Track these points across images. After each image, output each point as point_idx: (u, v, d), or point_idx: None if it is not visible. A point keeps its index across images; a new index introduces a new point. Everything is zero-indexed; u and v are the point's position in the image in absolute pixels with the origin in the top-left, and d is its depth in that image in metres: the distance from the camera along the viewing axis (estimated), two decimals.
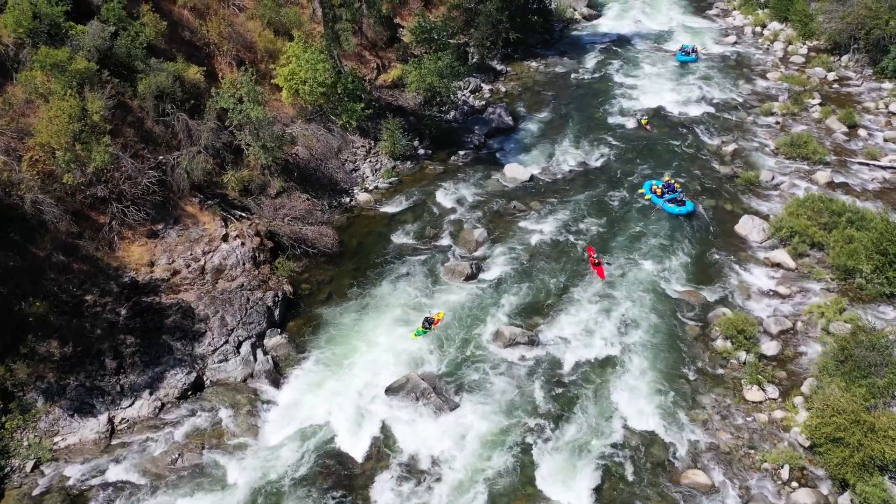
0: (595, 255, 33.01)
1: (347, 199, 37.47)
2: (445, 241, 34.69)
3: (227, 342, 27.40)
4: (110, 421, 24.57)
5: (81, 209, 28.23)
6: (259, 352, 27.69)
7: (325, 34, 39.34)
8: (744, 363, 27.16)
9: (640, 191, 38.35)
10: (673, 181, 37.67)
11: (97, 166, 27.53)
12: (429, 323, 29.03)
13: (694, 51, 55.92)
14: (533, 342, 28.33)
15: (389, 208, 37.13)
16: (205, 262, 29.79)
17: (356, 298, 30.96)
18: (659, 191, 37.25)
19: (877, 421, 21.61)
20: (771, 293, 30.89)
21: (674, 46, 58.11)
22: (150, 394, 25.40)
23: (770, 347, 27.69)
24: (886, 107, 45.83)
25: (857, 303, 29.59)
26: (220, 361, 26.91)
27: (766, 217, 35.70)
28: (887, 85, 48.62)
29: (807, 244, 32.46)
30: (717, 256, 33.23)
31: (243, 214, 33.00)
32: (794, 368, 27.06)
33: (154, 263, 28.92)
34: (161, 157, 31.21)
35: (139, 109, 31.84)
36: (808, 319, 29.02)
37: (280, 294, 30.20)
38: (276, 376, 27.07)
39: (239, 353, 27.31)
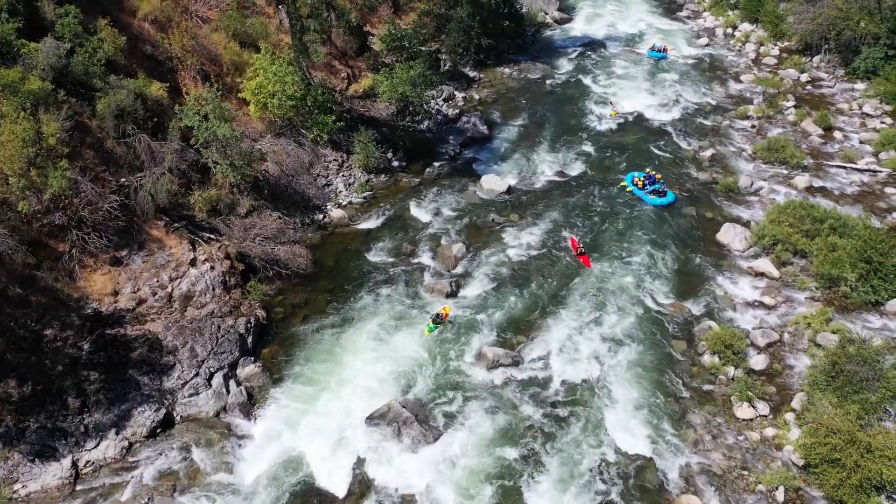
0: (579, 245, 33.49)
1: (321, 216, 36.28)
2: (423, 257, 33.67)
3: (197, 374, 26.09)
4: (74, 464, 23.15)
5: (39, 238, 26.74)
6: (232, 383, 26.42)
7: (294, 45, 38.09)
8: (732, 379, 26.56)
9: (622, 183, 38.85)
10: (654, 173, 38.21)
11: (54, 192, 26.07)
12: (438, 318, 29.17)
13: (664, 49, 56.71)
14: (517, 363, 27.46)
15: (364, 224, 36.02)
16: (172, 289, 28.44)
17: (332, 321, 29.81)
18: (640, 183, 37.84)
19: (873, 440, 21.08)
20: (756, 304, 30.37)
21: (646, 49, 57.73)
22: (117, 433, 24.02)
23: (758, 361, 27.12)
24: (860, 108, 45.80)
25: (842, 312, 29.19)
26: (191, 395, 25.59)
27: (746, 224, 35.28)
28: (859, 85, 48.64)
29: (790, 252, 32.04)
30: (700, 267, 32.68)
31: (212, 236, 31.68)
32: (783, 382, 26.52)
33: (118, 292, 27.50)
34: (123, 180, 29.77)
35: (99, 130, 30.36)
36: (795, 331, 28.52)
37: (252, 320, 28.95)
38: (251, 408, 25.85)
39: (210, 385, 26.01)
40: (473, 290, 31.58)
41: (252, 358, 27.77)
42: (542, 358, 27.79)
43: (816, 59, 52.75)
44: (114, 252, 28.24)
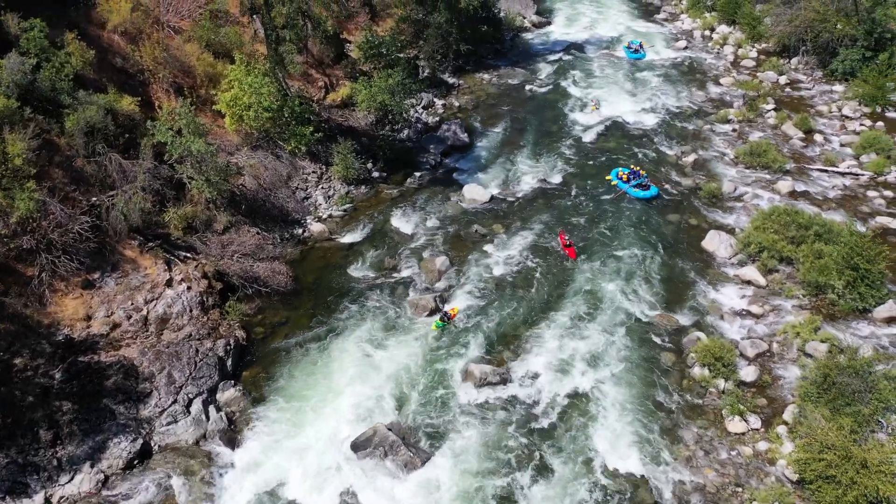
0: (566, 238, 34.33)
1: (300, 231, 35.46)
2: (406, 271, 33.02)
3: (175, 401, 25.21)
4: (47, 501, 22.18)
5: (6, 262, 25.72)
6: (212, 409, 25.57)
7: (269, 56, 37.22)
8: (723, 391, 26.22)
9: (607, 177, 39.65)
10: (638, 168, 39.15)
11: (21, 215, 25.09)
12: (446, 317, 29.48)
13: (641, 47, 57.23)
14: (504, 380, 26.90)
15: (345, 238, 35.27)
16: (148, 312, 27.50)
17: (314, 341, 29.05)
18: (625, 177, 38.72)
19: (868, 455, 20.77)
20: (744, 313, 30.09)
21: (621, 52, 57.50)
22: (92, 466, 23.07)
23: (748, 373, 26.80)
24: (839, 110, 45.87)
25: (830, 319, 29.01)
26: (169, 424, 24.70)
27: (731, 230, 35.07)
28: (838, 87, 48.76)
29: (776, 259, 31.81)
30: (686, 275, 32.37)
31: (188, 255, 30.77)
32: (773, 394, 26.21)
33: (91, 317, 26.51)
34: (95, 199, 28.77)
35: (68, 148, 29.32)
36: (784, 340, 28.27)
37: (232, 341, 28.11)
38: (232, 435, 25.00)
39: (189, 412, 25.15)
40: (458, 304, 30.93)
41: (232, 381, 26.94)
42: (529, 375, 27.25)
43: (794, 60, 52.83)
44: (86, 275, 27.25)
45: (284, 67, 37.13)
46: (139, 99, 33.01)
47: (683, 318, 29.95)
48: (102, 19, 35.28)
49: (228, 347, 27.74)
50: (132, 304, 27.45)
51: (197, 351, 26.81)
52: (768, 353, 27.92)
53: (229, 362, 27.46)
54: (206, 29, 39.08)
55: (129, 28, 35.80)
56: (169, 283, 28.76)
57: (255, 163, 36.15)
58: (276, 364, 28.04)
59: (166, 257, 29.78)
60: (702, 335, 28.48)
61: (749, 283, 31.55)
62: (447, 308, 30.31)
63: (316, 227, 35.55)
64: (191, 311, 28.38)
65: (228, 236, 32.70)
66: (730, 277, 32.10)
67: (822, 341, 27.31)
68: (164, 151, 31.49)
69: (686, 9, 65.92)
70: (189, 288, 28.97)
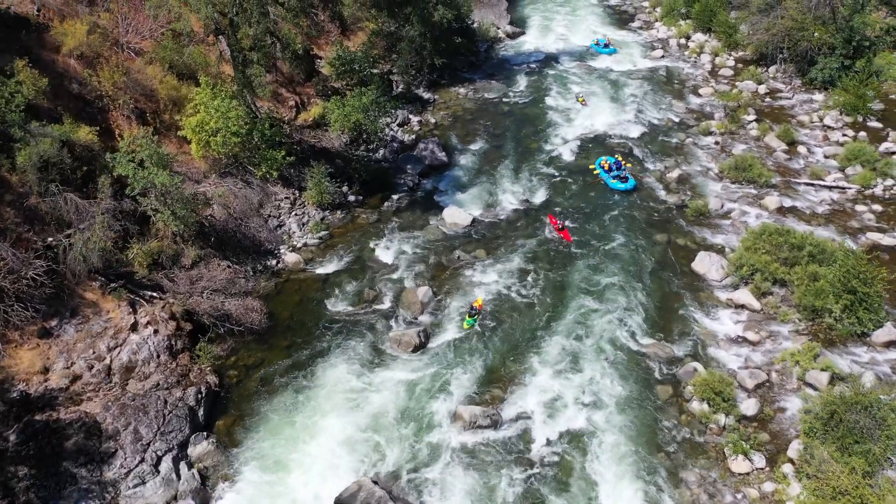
0: (558, 222, 35.71)
1: (274, 262, 33.68)
2: (387, 303, 31.46)
3: (142, 460, 23.33)
4: None
5: None
6: (183, 466, 23.75)
7: (237, 79, 35.44)
8: (724, 427, 25.08)
9: (591, 166, 40.98)
10: (622, 160, 40.32)
11: None
12: (473, 311, 29.97)
13: (609, 44, 58.63)
14: (495, 423, 25.45)
15: (322, 269, 33.58)
16: (111, 361, 25.61)
17: (292, 384, 27.37)
18: (607, 166, 39.91)
19: (884, 502, 19.68)
20: (739, 340, 29.02)
21: (600, 63, 56.57)
22: None
23: (749, 406, 25.67)
24: (821, 120, 45.28)
25: (828, 345, 28.04)
26: (137, 486, 22.83)
27: (721, 250, 34.09)
28: (818, 96, 48.24)
29: (769, 281, 30.82)
30: (678, 300, 31.25)
31: (154, 294, 28.89)
32: (776, 429, 25.11)
33: (49, 369, 24.57)
34: (51, 239, 26.76)
35: (20, 185, 27.29)
36: (783, 369, 27.24)
37: (204, 388, 26.31)
38: (206, 494, 23.27)
39: (158, 471, 23.29)
40: (443, 339, 29.52)
41: (205, 433, 25.12)
42: (521, 416, 25.85)
43: (772, 69, 52.25)
44: (42, 323, 25.28)
45: (253, 90, 35.34)
46: (98, 128, 31.02)
47: (678, 348, 28.80)
48: (57, 43, 33.17)
49: (200, 395, 25.92)
50: (94, 352, 25.54)
51: (165, 402, 24.95)
52: (768, 384, 26.85)
53: (201, 412, 25.65)
54: (169, 49, 37.12)
55: (86, 51, 33.73)
56: (134, 327, 26.88)
57: (225, 191, 34.24)
58: (252, 411, 26.31)
59: (131, 298, 27.90)
60: (699, 366, 27.34)
61: (743, 307, 30.51)
62: (472, 301, 30.79)
63: (290, 258, 33.80)
64: (158, 356, 26.53)
65: (197, 271, 30.86)
66: (723, 301, 31.04)
67: (823, 369, 26.33)
68: (127, 183, 29.59)
69: (660, 17, 65.23)
70: (156, 331, 27.12)
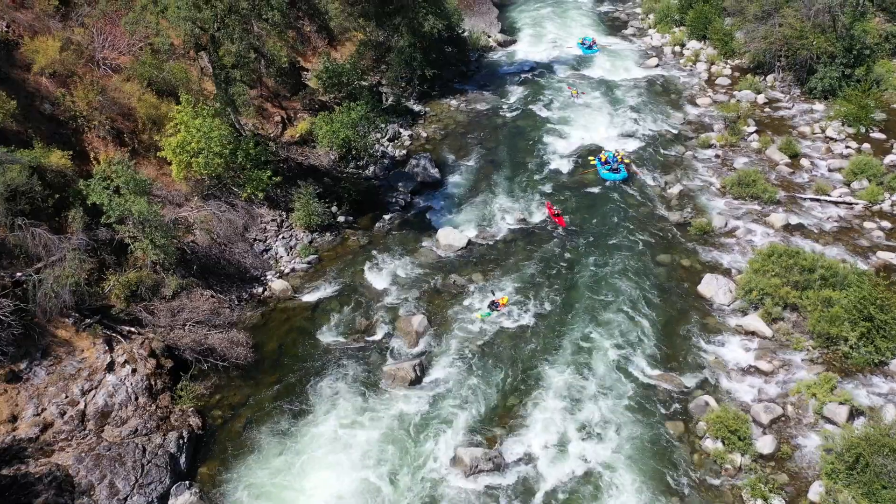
0: (554, 209, 36.96)
1: (260, 290, 31.99)
2: (380, 334, 29.88)
3: None
4: None
5: None
6: None
7: (219, 97, 33.75)
8: (740, 468, 23.68)
9: (590, 158, 41.74)
10: (620, 156, 40.97)
11: None
12: (494, 306, 30.27)
13: (594, 43, 58.91)
14: (498, 466, 23.91)
15: (311, 296, 31.93)
16: (85, 406, 23.90)
17: (280, 424, 25.73)
18: (604, 158, 40.80)
19: None
20: (752, 370, 27.65)
21: (594, 72, 55.20)
22: None
23: (765, 444, 24.29)
24: (823, 131, 44.13)
25: (844, 374, 26.75)
26: None
27: (727, 271, 32.78)
28: (818, 106, 47.13)
29: (780, 306, 29.49)
30: (685, 327, 29.86)
31: (133, 329, 27.19)
32: (795, 468, 23.74)
33: (17, 417, 22.86)
34: (19, 274, 25.00)
35: None
36: (798, 401, 25.88)
37: (186, 432, 24.62)
38: None
39: None
40: (440, 372, 27.97)
41: (187, 482, 23.39)
42: (525, 457, 24.33)
43: (770, 77, 51.12)
44: (10, 366, 23.59)
45: (236, 109, 33.65)
46: (72, 152, 29.32)
47: (687, 379, 27.39)
48: (27, 61, 31.41)
49: (182, 441, 24.23)
50: (67, 396, 23.81)
51: (144, 450, 23.21)
52: (783, 418, 25.49)
53: (183, 459, 23.95)
54: (148, 65, 35.37)
55: (58, 69, 31.99)
56: (110, 367, 25.17)
57: (207, 215, 32.60)
58: (239, 455, 24.66)
59: (107, 335, 26.18)
60: (710, 400, 25.94)
61: (753, 333, 29.18)
62: (497, 297, 30.88)
63: (277, 285, 32.13)
64: (136, 399, 24.82)
65: (179, 302, 29.17)
66: (732, 328, 29.68)
67: (841, 403, 25.04)
68: (103, 210, 27.86)
69: (654, 24, 63.92)
70: (134, 371, 25.42)
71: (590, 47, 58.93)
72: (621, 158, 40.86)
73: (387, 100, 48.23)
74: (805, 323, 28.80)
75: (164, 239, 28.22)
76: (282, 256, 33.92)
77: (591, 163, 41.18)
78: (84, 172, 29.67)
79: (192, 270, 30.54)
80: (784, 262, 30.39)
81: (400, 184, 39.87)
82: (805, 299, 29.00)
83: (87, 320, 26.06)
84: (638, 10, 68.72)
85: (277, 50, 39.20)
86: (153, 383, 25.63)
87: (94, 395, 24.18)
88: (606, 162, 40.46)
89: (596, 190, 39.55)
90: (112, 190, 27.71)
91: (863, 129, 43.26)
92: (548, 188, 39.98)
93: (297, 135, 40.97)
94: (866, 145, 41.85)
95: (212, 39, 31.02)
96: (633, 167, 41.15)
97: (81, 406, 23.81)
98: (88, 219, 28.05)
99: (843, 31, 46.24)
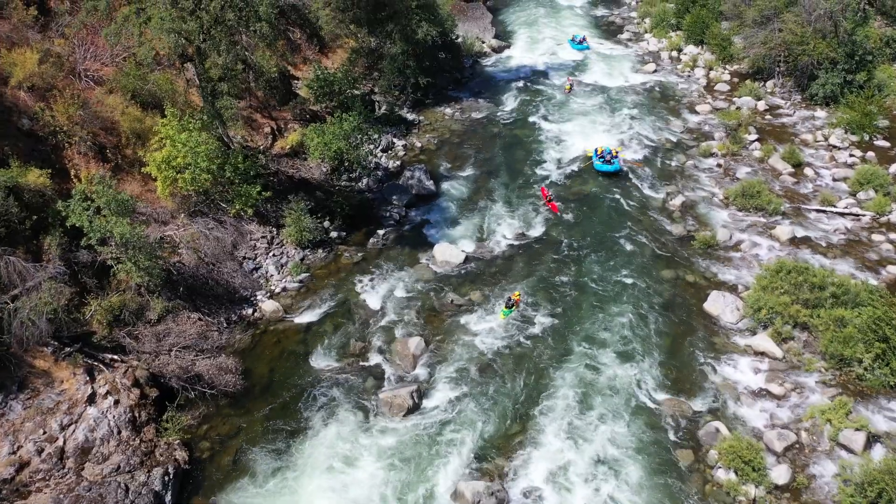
0: (549, 194, 38.31)
1: (250, 311, 30.73)
2: (376, 357, 28.67)
3: None
4: None
5: None
6: None
7: (206, 110, 32.48)
8: (754, 500, 22.60)
9: (587, 153, 42.44)
10: (615, 150, 41.57)
11: None
12: (511, 302, 30.36)
13: (584, 39, 59.39)
14: (502, 501, 22.73)
15: (303, 317, 30.70)
16: (64, 442, 22.59)
17: (272, 456, 24.51)
18: (601, 151, 41.35)
19: None
20: (763, 393, 26.59)
21: (588, 77, 54.18)
22: None
23: (780, 474, 23.22)
24: (825, 139, 43.19)
25: (858, 397, 25.71)
26: None
27: (733, 287, 31.75)
28: (820, 113, 46.22)
29: (790, 325, 28.47)
30: (691, 347, 28.79)
31: (115, 357, 25.92)
32: (811, 500, 22.69)
33: None
34: None
35: None
36: (812, 427, 24.83)
37: (172, 467, 23.34)
38: None
39: None
40: (438, 398, 26.79)
41: None
42: (529, 492, 23.16)
43: (770, 83, 50.20)
44: None
45: (224, 123, 32.38)
46: (51, 170, 27.96)
47: (696, 403, 26.31)
48: (4, 74, 30.06)
49: (167, 477, 22.95)
50: (45, 432, 22.50)
51: (127, 489, 21.94)
52: (797, 445, 24.43)
53: (168, 497, 22.68)
54: (133, 76, 34.04)
55: (37, 83, 30.63)
56: (91, 399, 23.88)
57: (195, 232, 31.32)
58: (228, 490, 23.43)
59: (88, 364, 24.88)
60: (721, 427, 24.86)
61: (763, 354, 28.12)
62: (511, 294, 30.99)
63: (268, 306, 30.87)
64: (119, 433, 23.53)
65: (164, 326, 27.91)
66: (740, 348, 28.63)
67: (858, 429, 24.02)
68: (84, 232, 26.56)
69: (650, 28, 62.93)
70: (116, 402, 24.14)
71: (580, 43, 59.25)
72: (616, 152, 41.46)
73: (379, 109, 47.05)
74: (816, 343, 27.79)
75: (149, 261, 26.92)
76: (272, 275, 32.66)
77: (588, 155, 42.02)
78: (64, 191, 28.32)
79: (179, 292, 29.25)
80: (793, 278, 29.35)
81: (394, 197, 38.68)
82: (816, 318, 27.98)
83: (67, 349, 24.78)
84: (633, 15, 67.73)
85: (267, 59, 37.88)
86: (137, 415, 24.35)
87: (73, 431, 22.88)
88: (601, 155, 41.02)
89: (596, 201, 38.50)
90: (93, 211, 26.38)
91: (866, 137, 42.34)
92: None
93: (288, 146, 39.70)
94: (871, 153, 40.94)
95: (198, 51, 29.74)
96: (628, 158, 42.05)
97: (60, 442, 22.51)
98: (68, 240, 26.81)
99: (844, 36, 45.31)
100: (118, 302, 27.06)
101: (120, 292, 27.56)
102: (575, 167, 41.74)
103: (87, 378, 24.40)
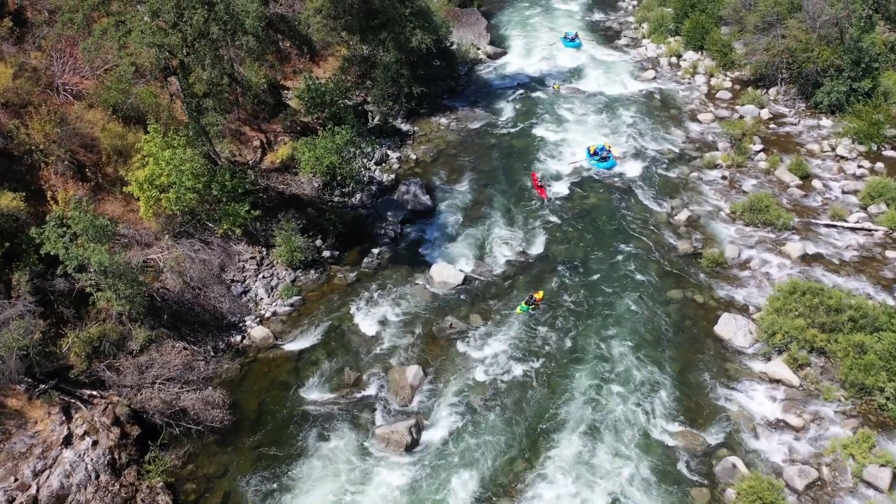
0: (539, 180, 39.12)
1: (239, 338, 29.19)
2: (372, 387, 27.19)
3: None
4: None
5: None
6: None
7: (191, 126, 30.94)
8: None
9: (580, 150, 43.09)
10: (609, 146, 42.08)
11: None
12: (532, 301, 30.37)
13: (576, 36, 60.01)
14: None
15: (294, 344, 29.18)
16: (38, 490, 21.02)
17: (262, 498, 23.04)
18: (593, 149, 41.83)
19: None
20: (780, 424, 25.25)
21: (586, 85, 52.82)
22: None
23: None
24: (833, 149, 41.96)
25: (881, 428, 24.46)
26: None
27: (744, 308, 30.46)
28: (825, 122, 45.00)
29: (806, 350, 27.16)
30: (703, 373, 27.44)
31: (94, 393, 24.39)
32: None
33: None
34: None
35: None
36: (834, 462, 23.52)
37: None
38: None
39: None
40: (438, 432, 25.34)
41: None
42: None
43: (773, 91, 49.03)
44: None
45: (209, 140, 30.83)
46: (26, 192, 26.40)
47: (711, 435, 24.95)
48: None
49: None
50: (16, 479, 20.94)
51: None
52: (819, 482, 23.10)
53: None
54: (114, 89, 32.39)
55: (11, 98, 29.08)
56: (68, 441, 22.35)
57: (179, 255, 29.80)
58: None
59: (64, 402, 23.37)
60: (738, 462, 23.50)
61: (779, 381, 26.79)
62: (532, 294, 30.95)
63: (258, 332, 29.33)
64: (97, 477, 21.98)
65: (147, 357, 26.40)
66: (755, 374, 27.30)
67: (883, 465, 22.73)
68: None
69: (648, 33, 61.64)
70: (95, 443, 22.61)
71: (572, 40, 59.83)
72: (609, 148, 41.91)
73: (372, 119, 45.59)
74: (835, 369, 26.49)
75: (130, 288, 25.34)
76: (262, 298, 31.13)
77: (571, 163, 41.99)
78: (40, 214, 26.78)
79: (163, 320, 27.71)
80: (808, 300, 28.04)
81: (389, 213, 37.19)
82: (834, 343, 26.68)
83: (42, 386, 23.21)
84: (630, 20, 66.44)
85: (255, 71, 36.32)
86: (117, 457, 22.82)
87: (48, 477, 21.32)
88: (596, 153, 41.46)
89: (599, 215, 37.15)
90: (69, 237, 24.79)
91: (874, 147, 41.16)
92: (546, 214, 37.43)
93: (278, 160, 38.18)
94: (880, 164, 39.75)
95: (181, 65, 28.19)
96: (618, 154, 42.43)
97: (34, 490, 20.94)
98: (44, 267, 25.27)
99: (851, 43, 44.12)
100: (97, 332, 25.54)
101: (99, 322, 26.05)
102: (575, 178, 40.36)
103: (64, 418, 22.85)
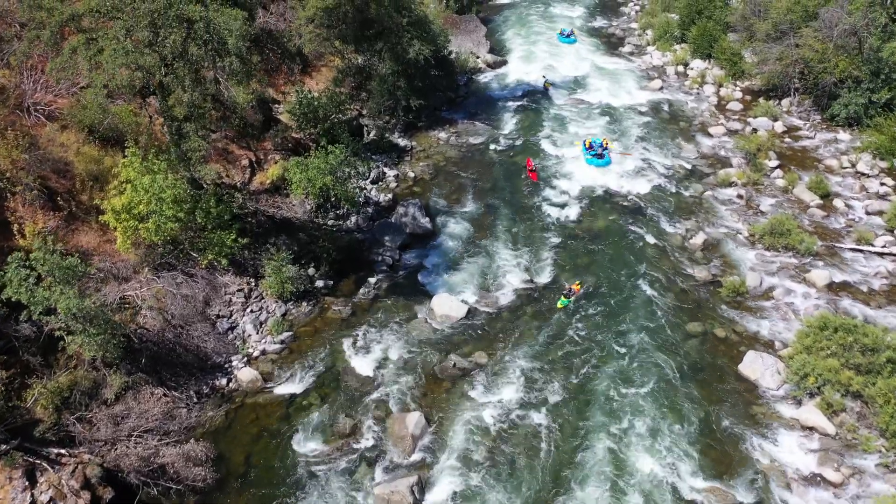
0: (533, 165, 40.22)
1: (224, 381, 26.89)
2: (369, 437, 24.92)
3: None
4: None
5: None
6: None
7: (172, 150, 28.62)
8: None
9: (575, 143, 43.01)
10: (606, 141, 41.65)
11: None
12: (570, 293, 30.59)
13: (572, 33, 60.42)
14: None
15: (285, 387, 26.90)
16: None
17: None
18: (588, 143, 41.33)
19: None
20: (817, 479, 23.11)
21: (591, 96, 50.64)
22: None
23: None
24: (853, 165, 39.93)
25: None
26: None
27: (769, 344, 28.37)
28: (843, 135, 42.98)
29: (840, 393, 25.02)
30: (729, 419, 25.29)
31: (63, 451, 22.06)
32: None
33: None
34: None
35: None
36: None
37: None
38: None
39: None
40: (443, 489, 23.11)
41: None
42: None
43: (785, 102, 47.03)
44: None
45: (192, 167, 28.51)
46: None
47: (741, 492, 22.80)
48: None
49: None
50: None
51: None
52: None
53: None
54: (90, 109, 29.97)
55: None
56: None
57: (160, 290, 27.47)
58: None
59: (28, 464, 21.02)
60: None
61: (812, 429, 24.65)
62: (569, 285, 31.16)
63: (245, 374, 27.03)
64: None
65: (124, 406, 24.16)
66: (785, 420, 25.16)
67: None
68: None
69: (653, 41, 59.50)
70: None
71: (568, 37, 60.12)
72: (606, 143, 41.22)
73: (368, 134, 43.35)
74: (873, 416, 24.33)
75: (103, 333, 23.01)
76: (250, 335, 28.83)
77: (577, 148, 41.84)
78: (6, 249, 24.41)
79: (141, 363, 25.39)
80: (841, 338, 25.90)
81: (386, 237, 34.91)
82: (872, 388, 24.52)
83: (3, 447, 20.87)
84: (634, 26, 64.37)
85: (243, 88, 33.92)
86: None
87: None
88: (591, 147, 40.77)
89: (610, 239, 34.99)
90: (34, 279, 22.44)
91: None
92: (553, 238, 35.28)
93: (268, 181, 35.87)
94: None
95: (160, 86, 25.87)
96: (619, 149, 41.89)
97: None
98: (8, 311, 22.95)
99: (870, 53, 42.06)
100: (67, 381, 23.28)
101: (70, 369, 23.79)
102: (584, 198, 38.19)
103: (27, 483, 20.59)
